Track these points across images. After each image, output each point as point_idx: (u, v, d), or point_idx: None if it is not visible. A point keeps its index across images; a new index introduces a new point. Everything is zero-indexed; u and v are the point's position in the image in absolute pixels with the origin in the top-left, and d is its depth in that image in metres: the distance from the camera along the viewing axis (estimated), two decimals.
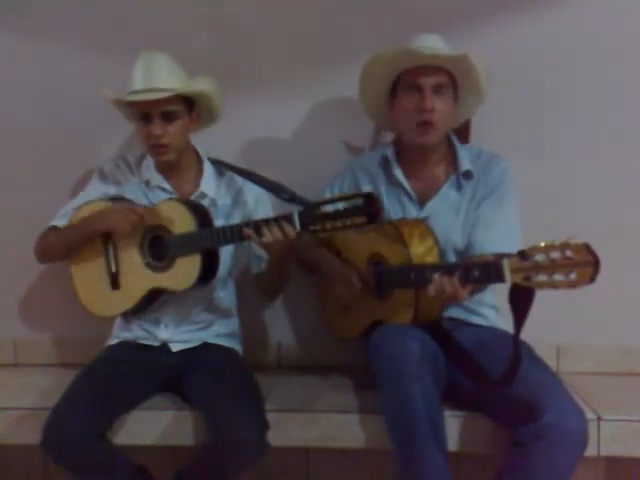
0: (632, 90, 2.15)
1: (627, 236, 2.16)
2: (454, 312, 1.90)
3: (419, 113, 1.84)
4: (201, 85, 1.93)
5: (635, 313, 2.17)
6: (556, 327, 2.03)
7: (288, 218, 1.71)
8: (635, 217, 2.18)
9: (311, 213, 1.67)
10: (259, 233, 1.73)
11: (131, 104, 1.89)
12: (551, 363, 1.96)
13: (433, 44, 1.87)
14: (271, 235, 1.72)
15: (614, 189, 2.17)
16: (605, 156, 2.17)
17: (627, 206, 2.18)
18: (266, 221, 1.74)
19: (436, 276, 1.60)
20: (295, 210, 1.71)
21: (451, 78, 1.88)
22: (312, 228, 1.67)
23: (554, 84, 2.15)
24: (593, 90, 2.15)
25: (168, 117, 1.87)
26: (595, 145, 2.17)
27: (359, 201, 1.61)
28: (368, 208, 1.60)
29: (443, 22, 2.10)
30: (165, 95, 1.85)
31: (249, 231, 1.75)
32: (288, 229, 1.71)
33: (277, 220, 1.73)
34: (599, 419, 1.79)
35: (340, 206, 1.63)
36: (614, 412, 1.83)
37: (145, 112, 1.86)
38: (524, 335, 1.58)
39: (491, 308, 1.96)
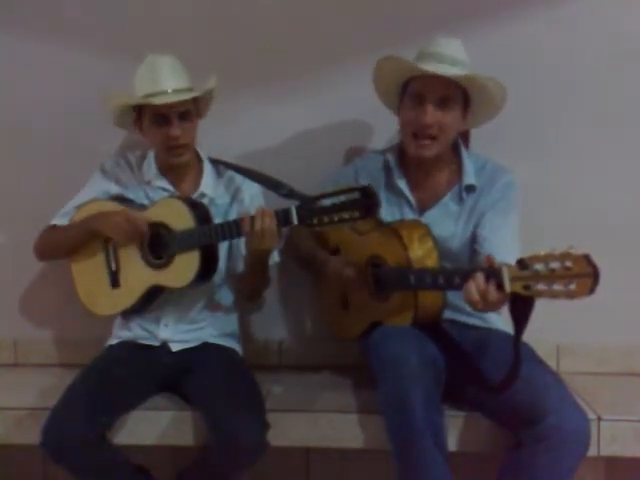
0: (632, 90, 2.15)
1: (627, 236, 2.16)
2: (453, 314, 1.89)
3: (418, 125, 1.82)
4: (211, 83, 1.93)
5: (635, 313, 2.17)
6: (556, 327, 2.03)
7: (286, 213, 1.71)
8: (635, 217, 2.18)
9: (308, 207, 1.67)
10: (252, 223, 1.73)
11: (146, 107, 1.87)
12: (551, 363, 1.96)
13: (451, 51, 1.81)
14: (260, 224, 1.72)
15: (614, 189, 2.17)
16: (604, 156, 2.17)
17: (627, 206, 2.18)
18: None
19: (480, 278, 1.49)
20: (292, 205, 1.71)
21: (462, 90, 1.82)
22: (309, 222, 1.67)
23: (554, 84, 2.15)
24: (593, 90, 2.15)
25: (184, 117, 1.88)
26: (595, 145, 2.17)
27: (356, 194, 1.61)
28: (365, 201, 1.60)
29: (443, 22, 2.10)
30: (196, 94, 1.87)
31: (246, 217, 1.74)
32: (266, 220, 1.71)
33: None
34: (599, 419, 1.79)
35: (337, 200, 1.63)
36: (614, 412, 1.83)
37: (163, 114, 1.85)
38: (524, 335, 1.57)
39: None
